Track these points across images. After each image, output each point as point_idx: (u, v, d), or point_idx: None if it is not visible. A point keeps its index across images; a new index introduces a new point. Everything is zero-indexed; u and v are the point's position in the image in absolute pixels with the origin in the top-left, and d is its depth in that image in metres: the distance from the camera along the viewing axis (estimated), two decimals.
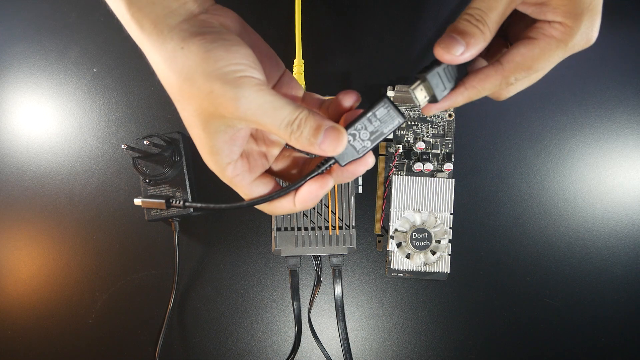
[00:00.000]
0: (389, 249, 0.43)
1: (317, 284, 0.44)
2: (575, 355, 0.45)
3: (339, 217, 0.42)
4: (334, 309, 0.43)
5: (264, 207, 0.29)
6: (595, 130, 0.46)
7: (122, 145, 0.39)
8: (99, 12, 0.47)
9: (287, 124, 0.24)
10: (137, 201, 0.36)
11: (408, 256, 0.43)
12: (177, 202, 0.32)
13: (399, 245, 0.43)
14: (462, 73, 0.28)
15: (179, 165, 0.43)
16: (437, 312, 0.46)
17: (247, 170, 0.28)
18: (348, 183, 0.42)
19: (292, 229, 0.41)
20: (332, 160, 0.27)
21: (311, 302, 0.43)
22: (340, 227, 0.41)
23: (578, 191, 0.46)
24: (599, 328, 0.45)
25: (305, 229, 0.41)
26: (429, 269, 0.43)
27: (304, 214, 0.41)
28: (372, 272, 0.46)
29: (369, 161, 0.28)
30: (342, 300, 0.42)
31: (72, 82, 0.46)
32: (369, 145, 0.27)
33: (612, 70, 0.46)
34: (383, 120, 0.27)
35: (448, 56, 0.26)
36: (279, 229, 0.41)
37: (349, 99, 0.28)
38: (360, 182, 0.43)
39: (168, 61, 0.25)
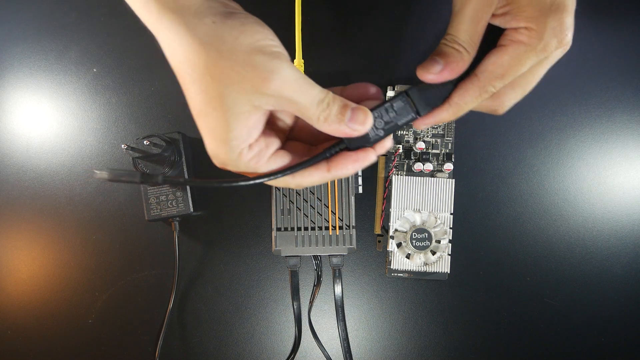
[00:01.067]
0: (389, 249, 0.43)
1: (317, 284, 0.44)
2: (575, 355, 0.45)
3: (339, 217, 0.41)
4: (334, 309, 0.43)
5: (288, 180, 0.28)
6: (595, 130, 0.46)
7: (122, 145, 0.39)
8: (99, 12, 0.47)
9: (318, 101, 0.25)
10: (101, 173, 0.27)
11: (408, 256, 0.43)
12: (155, 177, 0.27)
13: (399, 245, 0.43)
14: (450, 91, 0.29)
15: (179, 165, 0.43)
16: (437, 312, 0.46)
17: (264, 147, 0.27)
18: (348, 183, 0.42)
19: (292, 229, 0.41)
20: (343, 145, 0.27)
21: (311, 302, 0.43)
22: (340, 227, 0.41)
23: (578, 191, 0.46)
24: (598, 328, 0.45)
25: (305, 229, 0.41)
26: (429, 269, 0.43)
27: (304, 213, 0.41)
28: (372, 272, 0.46)
29: (372, 158, 0.28)
30: (342, 300, 0.42)
31: (72, 82, 0.46)
32: (382, 134, 0.28)
33: (612, 70, 0.46)
34: (399, 113, 0.28)
35: (428, 75, 0.27)
36: (279, 229, 0.41)
37: (370, 89, 0.29)
38: (360, 182, 0.43)
39: (199, 34, 0.24)
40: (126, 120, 0.46)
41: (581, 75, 0.46)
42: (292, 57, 0.44)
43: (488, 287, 0.46)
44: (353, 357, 0.42)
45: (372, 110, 0.27)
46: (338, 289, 0.42)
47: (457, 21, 0.27)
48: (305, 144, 0.31)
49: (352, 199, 0.42)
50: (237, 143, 0.26)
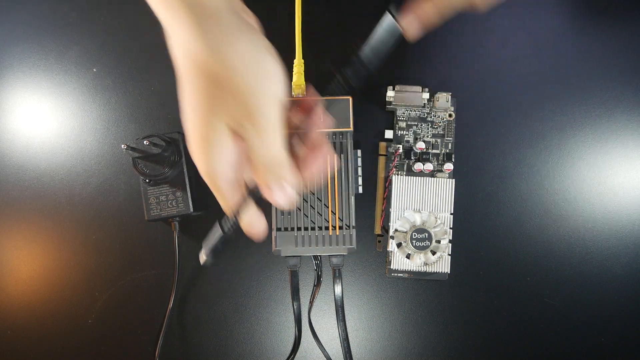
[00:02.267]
0: (389, 249, 0.43)
1: (317, 284, 0.44)
2: (575, 355, 0.45)
3: (339, 217, 0.41)
4: (334, 309, 0.43)
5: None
6: (595, 130, 0.46)
7: (122, 145, 0.39)
8: (99, 12, 0.47)
9: (279, 150, 0.27)
10: (203, 258, 0.31)
11: (408, 256, 0.43)
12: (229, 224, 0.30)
13: (399, 245, 0.43)
14: None
15: (179, 165, 0.43)
16: (437, 312, 0.46)
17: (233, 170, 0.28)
18: (348, 183, 0.42)
19: (292, 229, 0.41)
20: None
21: (311, 302, 0.43)
22: (340, 227, 0.41)
23: (578, 191, 0.46)
24: (598, 328, 0.45)
25: (305, 229, 0.41)
26: (429, 269, 0.43)
27: (304, 213, 0.41)
28: (372, 272, 0.46)
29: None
30: (342, 300, 0.42)
31: (72, 82, 0.46)
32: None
33: (612, 70, 0.46)
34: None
35: None
36: (279, 229, 0.41)
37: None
38: (360, 182, 0.43)
39: (215, 44, 0.25)
40: (126, 120, 0.46)
41: (581, 75, 0.46)
42: (292, 56, 0.44)
43: (488, 287, 0.46)
44: (353, 357, 0.42)
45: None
46: (338, 289, 0.42)
47: None
48: None
49: (352, 199, 0.42)
50: (223, 157, 0.27)
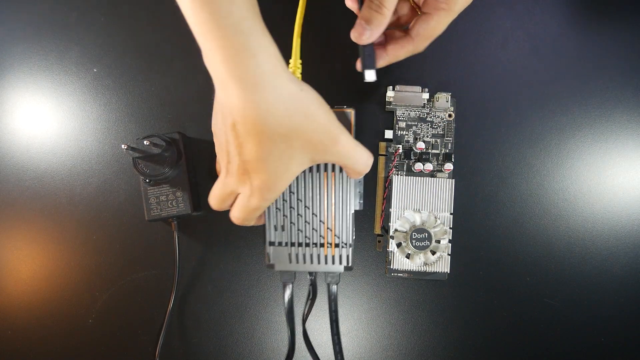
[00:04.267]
0: (389, 249, 0.43)
1: (312, 297, 0.40)
2: (575, 355, 0.45)
3: (335, 235, 0.38)
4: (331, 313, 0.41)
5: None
6: (595, 130, 0.46)
7: (122, 146, 0.39)
8: (99, 12, 0.47)
9: (366, 164, 0.34)
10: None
11: (408, 256, 0.43)
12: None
13: (399, 245, 0.43)
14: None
15: (179, 165, 0.43)
16: (437, 312, 0.46)
17: None
18: (349, 197, 0.38)
19: (287, 244, 0.38)
20: None
21: (306, 316, 0.41)
22: (337, 245, 0.38)
23: (578, 191, 0.46)
24: (598, 328, 0.45)
25: (300, 245, 0.38)
26: (429, 269, 0.43)
27: (298, 229, 0.38)
28: (372, 272, 0.46)
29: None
30: (337, 315, 0.39)
31: (72, 82, 0.46)
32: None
33: (612, 70, 0.46)
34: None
35: (361, 40, 0.35)
36: (272, 244, 0.38)
37: None
38: (360, 199, 0.40)
39: (294, 99, 0.30)
40: (126, 120, 0.46)
41: (581, 75, 0.46)
42: (288, 57, 0.44)
43: (488, 287, 0.46)
44: (353, 357, 0.42)
45: None
46: (332, 305, 0.39)
47: None
48: None
49: (352, 215, 0.38)
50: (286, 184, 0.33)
